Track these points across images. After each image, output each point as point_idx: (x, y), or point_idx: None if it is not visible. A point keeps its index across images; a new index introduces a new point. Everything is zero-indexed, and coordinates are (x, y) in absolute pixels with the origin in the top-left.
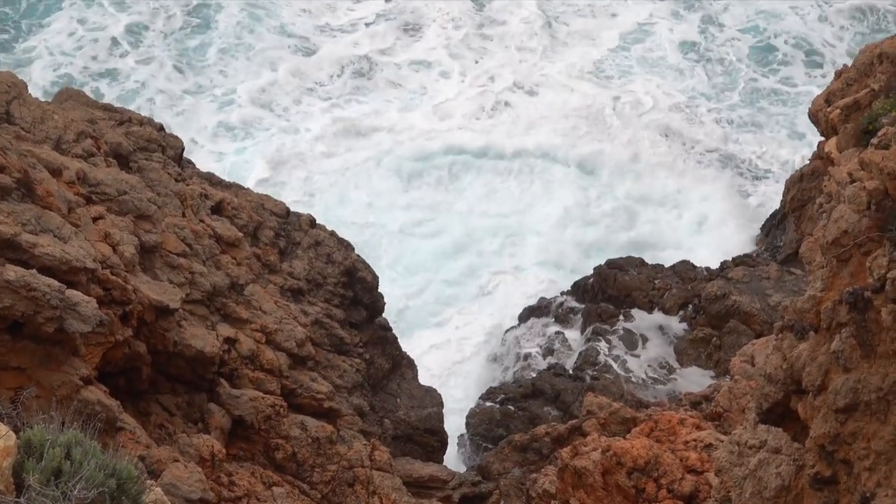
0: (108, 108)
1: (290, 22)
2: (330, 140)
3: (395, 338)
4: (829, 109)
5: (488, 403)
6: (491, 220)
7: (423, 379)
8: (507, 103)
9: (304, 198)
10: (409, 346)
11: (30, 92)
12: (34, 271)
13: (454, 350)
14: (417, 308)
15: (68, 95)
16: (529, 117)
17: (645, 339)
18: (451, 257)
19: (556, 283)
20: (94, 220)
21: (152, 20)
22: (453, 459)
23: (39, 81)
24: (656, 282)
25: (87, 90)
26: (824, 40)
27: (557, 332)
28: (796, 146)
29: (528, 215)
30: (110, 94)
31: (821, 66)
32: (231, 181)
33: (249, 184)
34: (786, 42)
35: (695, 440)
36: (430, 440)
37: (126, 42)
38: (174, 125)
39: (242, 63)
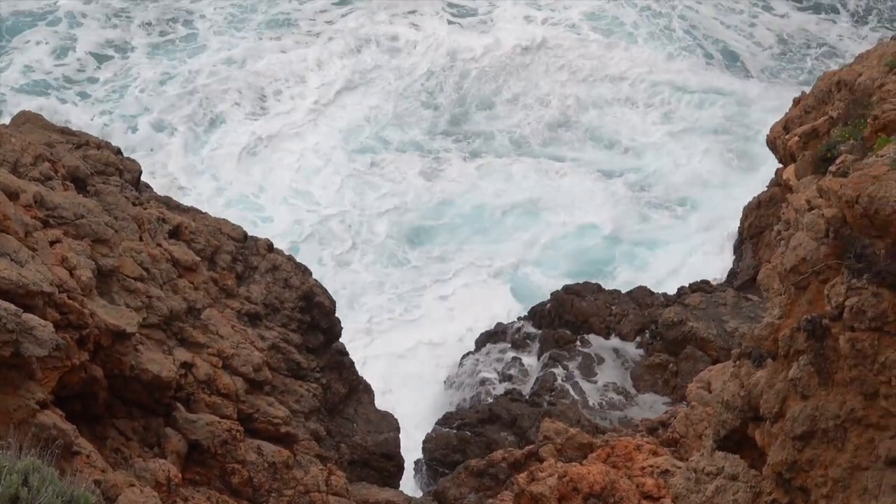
0: (65, 132)
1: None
2: None
3: (352, 362)
4: (787, 136)
5: (445, 429)
6: None
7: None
8: None
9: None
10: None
11: None
12: None
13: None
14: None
15: (26, 119)
16: None
17: (602, 365)
18: None
19: None
20: (52, 243)
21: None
22: (409, 485)
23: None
24: (613, 307)
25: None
26: None
27: (514, 358)
28: None
29: None
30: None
31: None
32: (189, 205)
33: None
34: None
35: (651, 466)
36: (387, 465)
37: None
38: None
39: None
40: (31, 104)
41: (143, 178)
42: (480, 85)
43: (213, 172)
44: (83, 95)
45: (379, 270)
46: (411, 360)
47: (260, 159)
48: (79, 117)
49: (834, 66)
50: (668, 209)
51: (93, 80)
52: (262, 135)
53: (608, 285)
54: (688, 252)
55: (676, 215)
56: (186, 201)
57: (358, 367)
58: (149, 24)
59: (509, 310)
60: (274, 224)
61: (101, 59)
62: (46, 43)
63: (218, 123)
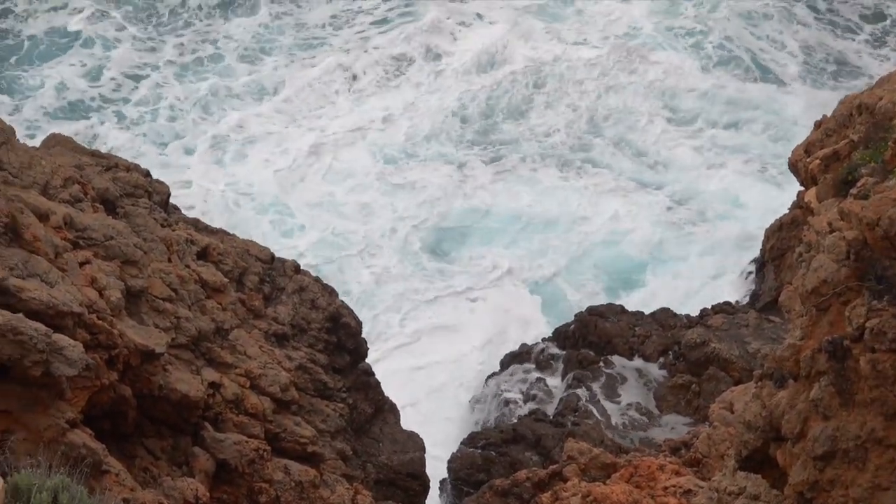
0: (95, 154)
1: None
2: None
3: (378, 383)
4: (808, 160)
5: (470, 448)
6: None
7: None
8: None
9: None
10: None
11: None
12: (21, 315)
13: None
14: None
15: (56, 142)
16: None
17: (625, 385)
18: None
19: None
20: (81, 264)
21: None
22: None
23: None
24: (637, 329)
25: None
26: None
27: (538, 379)
28: None
29: None
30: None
31: None
32: (217, 227)
33: None
34: None
35: (674, 486)
36: (413, 484)
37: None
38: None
39: None
40: (63, 125)
41: (174, 199)
42: (512, 94)
43: (247, 188)
44: (118, 116)
45: (406, 278)
46: (436, 374)
47: (293, 173)
48: (115, 138)
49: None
50: (697, 224)
51: (126, 101)
52: (296, 149)
53: (636, 298)
54: (715, 271)
55: (706, 231)
56: (218, 217)
57: (382, 378)
58: (181, 45)
59: (535, 320)
60: (306, 234)
61: (134, 79)
62: (83, 65)
63: (252, 141)
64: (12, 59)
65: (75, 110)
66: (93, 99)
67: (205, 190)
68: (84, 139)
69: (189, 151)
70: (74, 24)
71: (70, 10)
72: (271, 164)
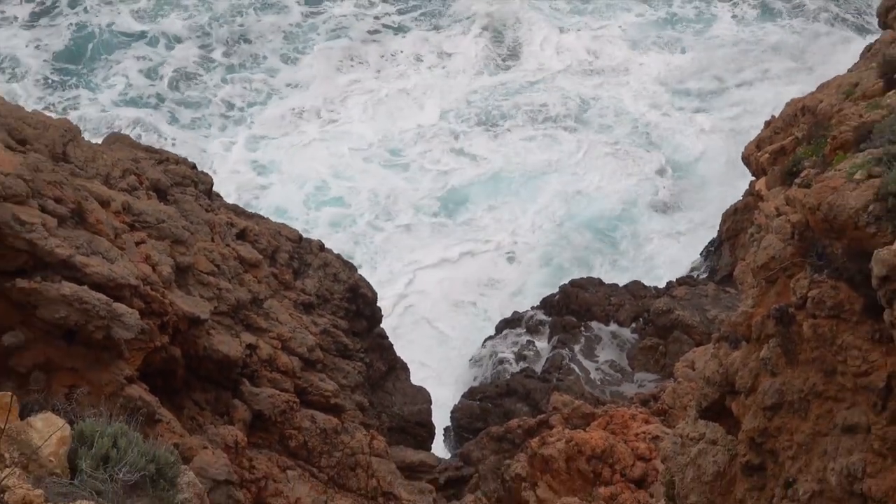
0: (149, 150)
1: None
2: None
3: (391, 344)
4: (759, 154)
5: (469, 401)
6: None
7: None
8: None
9: None
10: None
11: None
12: (86, 287)
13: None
14: None
15: (116, 139)
16: None
17: (602, 347)
18: None
19: None
20: (137, 244)
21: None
22: (440, 448)
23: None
24: (612, 298)
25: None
26: None
27: (528, 341)
28: None
29: None
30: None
31: None
32: (253, 212)
33: None
34: None
35: (644, 432)
36: (421, 432)
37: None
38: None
39: None
40: (125, 119)
41: (217, 187)
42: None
43: (283, 169)
44: (173, 112)
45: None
46: (441, 335)
47: (324, 151)
48: (171, 133)
49: None
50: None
51: (184, 100)
52: (323, 135)
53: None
54: (684, 246)
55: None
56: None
57: (394, 338)
58: (228, 43)
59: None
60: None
61: (188, 77)
62: (149, 60)
63: (289, 132)
64: (85, 55)
65: (135, 104)
66: (150, 96)
67: (240, 176)
68: (142, 132)
69: (231, 143)
70: (137, 22)
71: (135, 8)
72: (302, 145)
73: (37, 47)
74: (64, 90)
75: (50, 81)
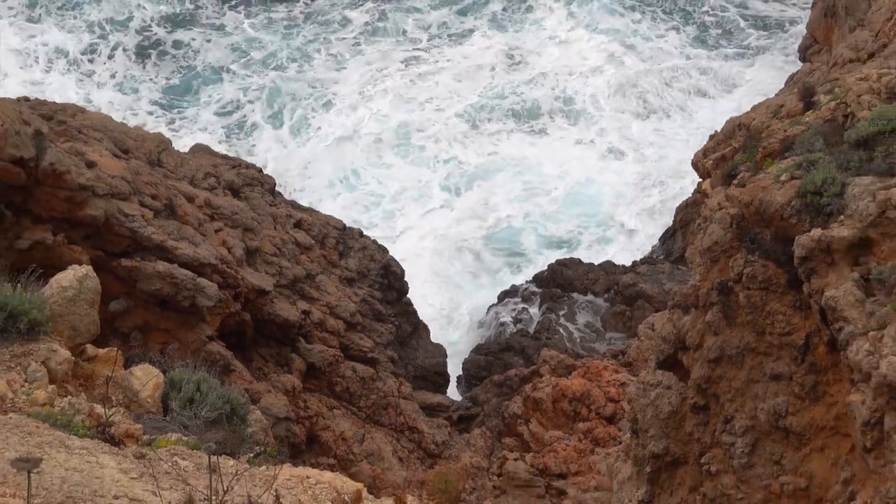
0: (225, 157)
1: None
2: None
3: (416, 311)
4: (705, 160)
5: (477, 355)
6: None
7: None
8: None
9: None
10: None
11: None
12: (176, 265)
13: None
14: None
15: (199, 149)
16: None
17: (581, 313)
18: None
19: None
20: (216, 231)
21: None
22: (453, 392)
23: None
24: (589, 275)
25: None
26: None
27: (523, 308)
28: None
29: None
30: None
31: None
32: (307, 206)
33: None
34: None
35: (614, 380)
36: (439, 379)
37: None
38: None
39: None
40: (216, 133)
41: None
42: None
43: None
44: (253, 124)
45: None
46: (454, 302)
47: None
48: (248, 141)
49: None
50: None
51: (274, 115)
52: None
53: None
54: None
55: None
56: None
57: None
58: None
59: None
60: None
61: (272, 94)
62: (238, 87)
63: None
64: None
65: (223, 115)
66: (234, 112)
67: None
68: (221, 139)
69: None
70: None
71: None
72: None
73: (152, 80)
74: (167, 111)
75: (158, 104)
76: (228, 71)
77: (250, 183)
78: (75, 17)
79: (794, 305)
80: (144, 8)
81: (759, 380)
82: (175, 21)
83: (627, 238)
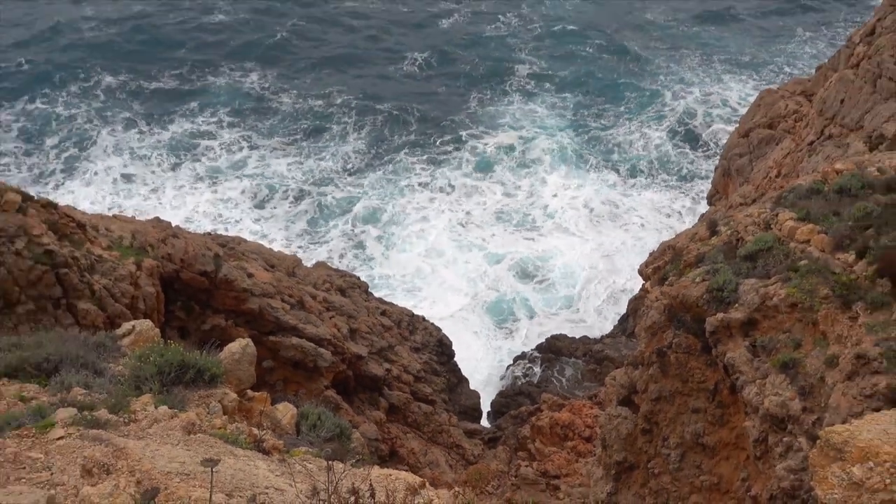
0: (337, 270)
1: None
2: None
3: (460, 369)
4: (647, 270)
5: (500, 398)
6: None
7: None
8: None
9: None
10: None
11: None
12: (304, 340)
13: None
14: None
15: (319, 264)
16: None
17: (567, 370)
18: None
19: None
20: (330, 317)
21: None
22: (485, 422)
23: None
24: (572, 345)
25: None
26: None
27: (530, 367)
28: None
29: None
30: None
31: None
32: (389, 301)
33: None
34: None
35: (590, 413)
36: (475, 413)
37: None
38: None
39: None
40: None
41: (373, 287)
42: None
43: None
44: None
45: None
46: (485, 363)
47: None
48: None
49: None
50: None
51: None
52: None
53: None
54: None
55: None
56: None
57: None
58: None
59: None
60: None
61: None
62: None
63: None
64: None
65: (344, 238)
66: (350, 236)
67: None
68: (342, 254)
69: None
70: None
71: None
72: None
73: (292, 218)
74: (303, 237)
75: (299, 234)
76: (347, 212)
77: (352, 286)
78: (251, 178)
79: (706, 363)
80: (294, 177)
81: (684, 412)
82: (318, 182)
83: (597, 318)
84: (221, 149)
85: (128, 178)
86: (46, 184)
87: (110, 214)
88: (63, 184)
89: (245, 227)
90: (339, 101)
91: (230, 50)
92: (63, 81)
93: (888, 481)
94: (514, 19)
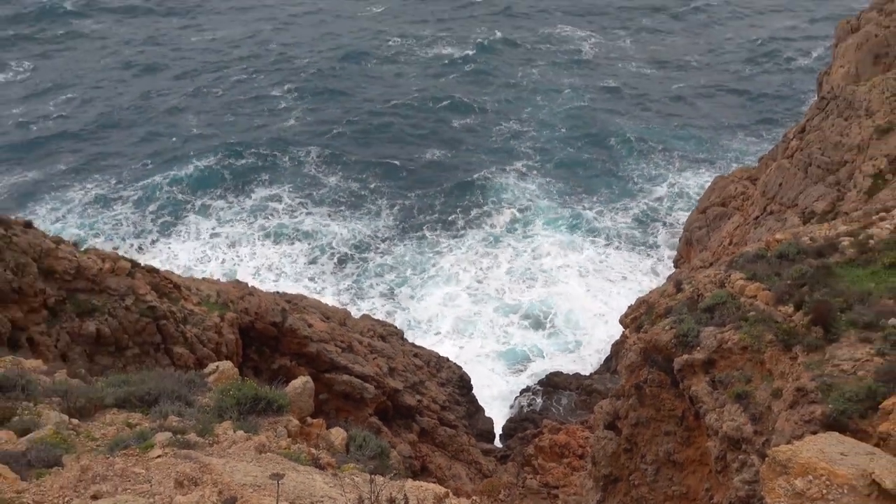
0: (378, 321)
1: None
2: None
3: (476, 399)
4: (627, 320)
5: (509, 423)
6: None
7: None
8: None
9: None
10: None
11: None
12: (353, 377)
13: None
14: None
15: (366, 315)
16: None
17: (564, 401)
18: None
19: None
20: (373, 358)
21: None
22: (498, 442)
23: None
24: (568, 380)
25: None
26: None
27: (533, 398)
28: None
29: None
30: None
31: None
32: (420, 345)
33: None
34: None
35: (583, 436)
36: (489, 436)
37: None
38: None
39: None
40: (376, 303)
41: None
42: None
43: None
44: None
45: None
46: (496, 393)
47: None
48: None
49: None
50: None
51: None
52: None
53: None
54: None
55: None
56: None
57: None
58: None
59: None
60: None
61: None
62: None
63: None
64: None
65: (383, 297)
66: (387, 294)
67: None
68: (384, 303)
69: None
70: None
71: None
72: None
73: (340, 278)
74: (349, 291)
75: (345, 290)
76: (385, 273)
77: (390, 333)
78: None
79: (675, 395)
80: (336, 244)
81: (658, 434)
82: (358, 247)
83: (592, 357)
84: (284, 213)
85: (216, 234)
86: (155, 240)
87: (200, 277)
88: (159, 240)
89: (303, 285)
90: (373, 185)
91: (294, 140)
92: (171, 165)
93: (825, 492)
94: (515, 124)
